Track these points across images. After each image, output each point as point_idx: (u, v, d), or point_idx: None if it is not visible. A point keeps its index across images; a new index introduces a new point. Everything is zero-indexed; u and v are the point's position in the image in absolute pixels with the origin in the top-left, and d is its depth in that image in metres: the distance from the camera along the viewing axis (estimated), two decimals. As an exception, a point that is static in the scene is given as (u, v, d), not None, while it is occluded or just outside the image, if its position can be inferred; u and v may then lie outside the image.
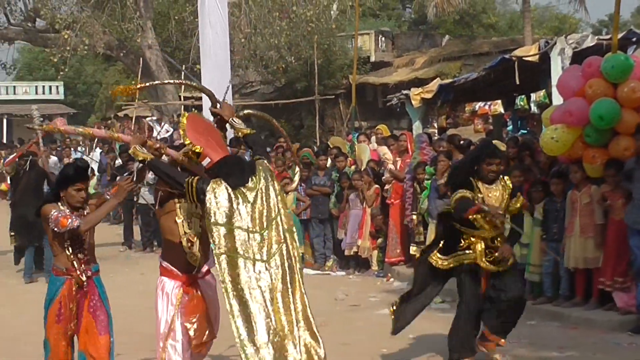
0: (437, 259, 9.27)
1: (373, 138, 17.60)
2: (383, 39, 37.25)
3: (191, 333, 7.48)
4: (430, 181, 14.09)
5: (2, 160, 29.47)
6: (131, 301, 13.03)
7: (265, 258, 6.92)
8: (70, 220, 7.16)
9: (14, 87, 52.72)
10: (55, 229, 7.21)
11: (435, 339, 10.69)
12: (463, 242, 9.08)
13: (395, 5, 48.85)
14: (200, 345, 7.61)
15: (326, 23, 29.30)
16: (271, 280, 6.91)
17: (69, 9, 30.74)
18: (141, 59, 29.20)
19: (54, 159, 24.16)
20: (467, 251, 9.06)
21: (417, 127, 18.51)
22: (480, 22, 43.83)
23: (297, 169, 16.39)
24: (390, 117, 28.57)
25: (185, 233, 7.41)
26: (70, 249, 7.36)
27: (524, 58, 15.46)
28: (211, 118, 8.09)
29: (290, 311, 6.94)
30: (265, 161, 7.32)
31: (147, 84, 8.98)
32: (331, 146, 17.75)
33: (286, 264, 7.02)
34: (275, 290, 6.91)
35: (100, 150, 24.66)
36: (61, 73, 32.57)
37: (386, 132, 16.91)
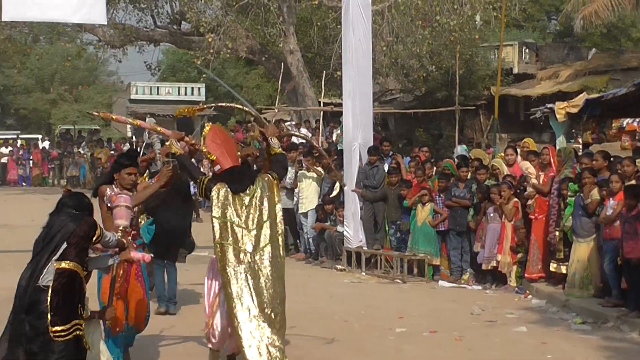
0: None
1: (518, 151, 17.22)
2: (527, 50, 36.62)
3: None
4: (574, 198, 13.68)
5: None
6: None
7: (251, 250, 8.39)
8: (119, 198, 8.44)
9: (157, 87, 53.94)
10: (109, 204, 8.59)
11: (575, 361, 10.41)
12: None
13: (541, 17, 48.06)
14: None
15: (469, 33, 28.84)
16: (255, 269, 8.37)
17: (213, 12, 31.07)
18: (282, 63, 29.46)
19: None
20: None
21: (560, 141, 18.09)
22: (629, 36, 42.74)
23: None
24: (532, 130, 28.03)
25: None
26: None
27: (677, 74, 14.90)
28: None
29: (268, 296, 8.40)
30: (271, 176, 8.70)
31: (206, 106, 10.54)
32: (472, 157, 17.44)
33: (270, 259, 8.45)
34: (258, 277, 8.37)
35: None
36: (203, 75, 32.98)
37: (533, 146, 16.48)
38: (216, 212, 8.37)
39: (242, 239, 8.39)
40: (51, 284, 6.89)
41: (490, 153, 19.31)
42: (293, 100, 31.67)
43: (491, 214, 15.34)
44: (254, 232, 8.40)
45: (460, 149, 24.17)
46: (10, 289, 7.40)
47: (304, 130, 27.80)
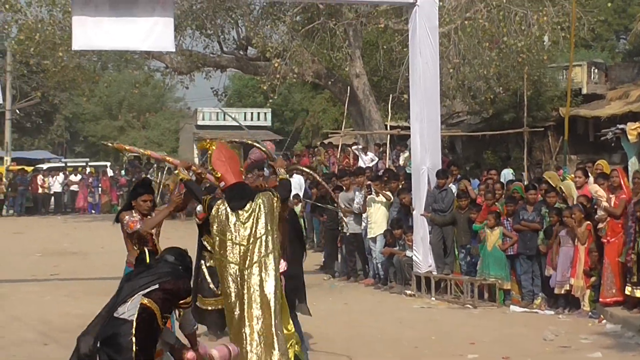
0: None
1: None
2: (596, 70, 36.21)
3: None
4: (647, 221, 13.40)
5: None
6: (333, 330, 12.93)
7: (246, 266, 8.61)
8: (136, 224, 9.45)
9: (224, 113, 54.29)
10: (127, 231, 9.50)
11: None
12: None
13: (610, 37, 47.56)
14: None
15: (537, 54, 28.52)
16: (249, 282, 8.60)
17: (280, 37, 31.24)
18: (348, 87, 29.43)
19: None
20: None
21: (632, 162, 17.81)
22: (700, 55, 42.12)
23: None
24: (602, 151, 27.65)
25: None
26: (137, 245, 9.43)
27: None
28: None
29: (259, 310, 8.56)
30: (272, 194, 8.90)
31: (224, 141, 10.59)
32: (546, 178, 17.18)
33: (263, 274, 8.62)
34: (250, 290, 8.58)
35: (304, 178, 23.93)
36: (270, 100, 33.12)
37: (606, 168, 16.15)
38: (217, 229, 8.71)
39: (238, 254, 8.63)
40: (134, 318, 6.86)
41: (560, 175, 19.02)
42: (359, 123, 31.64)
43: (563, 237, 15.09)
44: (249, 247, 8.64)
45: (507, 173, 23.88)
46: (82, 315, 7.40)
47: (370, 154, 27.71)
